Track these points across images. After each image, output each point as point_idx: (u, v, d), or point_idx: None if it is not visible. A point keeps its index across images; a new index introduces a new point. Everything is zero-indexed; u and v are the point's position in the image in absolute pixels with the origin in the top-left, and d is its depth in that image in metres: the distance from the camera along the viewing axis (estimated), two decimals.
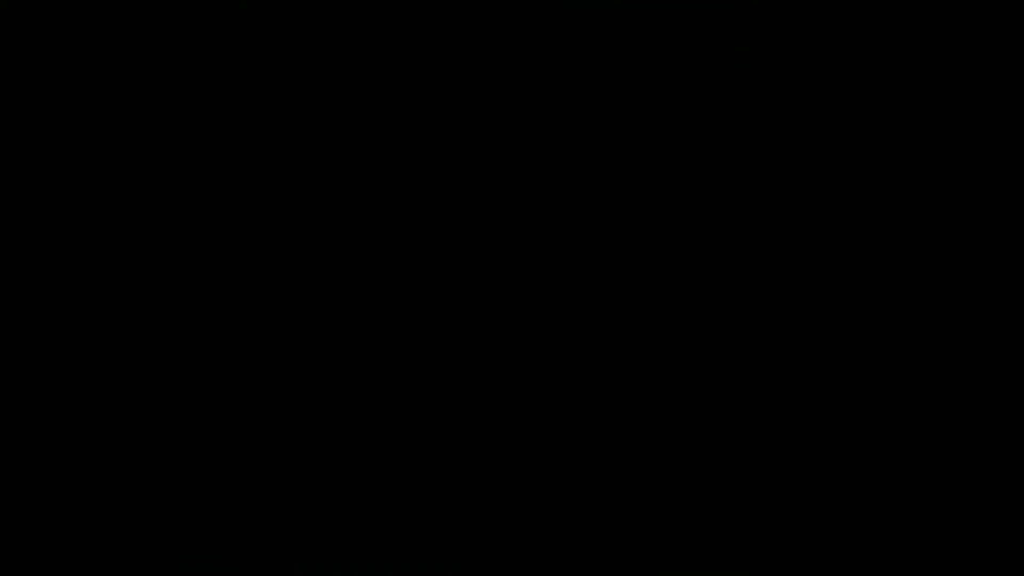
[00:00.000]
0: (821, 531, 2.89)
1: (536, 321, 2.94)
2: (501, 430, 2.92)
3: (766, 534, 2.89)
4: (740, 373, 2.92)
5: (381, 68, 2.97)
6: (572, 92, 2.95)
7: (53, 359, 2.92)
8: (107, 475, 2.89)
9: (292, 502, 2.91)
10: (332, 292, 2.95)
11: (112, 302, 2.93)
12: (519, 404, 2.93)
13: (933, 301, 2.91)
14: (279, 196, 2.97)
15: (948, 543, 2.87)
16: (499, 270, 2.94)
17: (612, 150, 2.95)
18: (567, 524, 2.91)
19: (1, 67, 2.95)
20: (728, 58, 2.93)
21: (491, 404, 2.93)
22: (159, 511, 2.89)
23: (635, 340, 2.93)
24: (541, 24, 2.95)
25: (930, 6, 2.92)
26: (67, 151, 2.96)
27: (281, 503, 2.91)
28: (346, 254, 2.95)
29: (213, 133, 2.97)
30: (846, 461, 2.90)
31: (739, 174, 2.94)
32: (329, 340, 2.94)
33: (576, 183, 2.95)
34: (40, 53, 2.95)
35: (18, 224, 2.94)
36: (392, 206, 2.96)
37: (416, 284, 2.95)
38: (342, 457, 2.92)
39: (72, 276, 2.93)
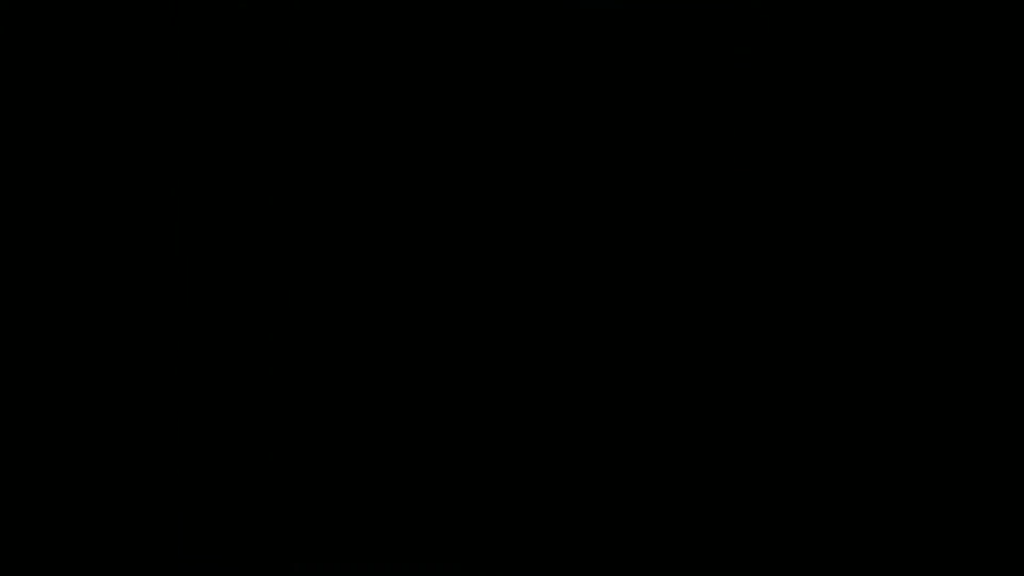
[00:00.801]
0: (820, 531, 2.89)
1: (535, 321, 2.94)
2: (501, 430, 2.92)
3: (765, 534, 2.90)
4: (739, 373, 2.92)
5: (380, 68, 2.97)
6: (572, 92, 2.95)
7: (53, 360, 2.92)
8: (107, 475, 2.89)
9: (292, 502, 2.91)
10: (331, 292, 2.95)
11: (111, 303, 2.93)
12: (518, 404, 2.93)
13: (932, 303, 2.91)
14: (279, 196, 2.97)
15: (948, 543, 2.87)
16: (499, 271, 2.94)
17: (612, 150, 2.95)
18: (567, 524, 2.91)
19: (1, 67, 2.95)
20: (728, 58, 2.93)
21: (490, 404, 2.93)
22: (159, 511, 2.88)
23: (634, 340, 2.93)
24: (541, 24, 2.95)
25: (930, 6, 2.92)
26: (66, 152, 2.96)
27: (281, 503, 2.91)
28: (345, 254, 2.95)
29: (211, 134, 2.97)
30: (844, 462, 2.90)
31: (739, 174, 2.94)
32: (328, 340, 2.94)
33: (576, 183, 2.95)
34: (40, 53, 2.95)
35: (18, 225, 2.94)
36: (391, 206, 2.96)
37: (415, 284, 2.95)
38: (342, 457, 2.92)
39: (72, 276, 2.93)
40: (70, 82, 2.96)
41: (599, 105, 2.96)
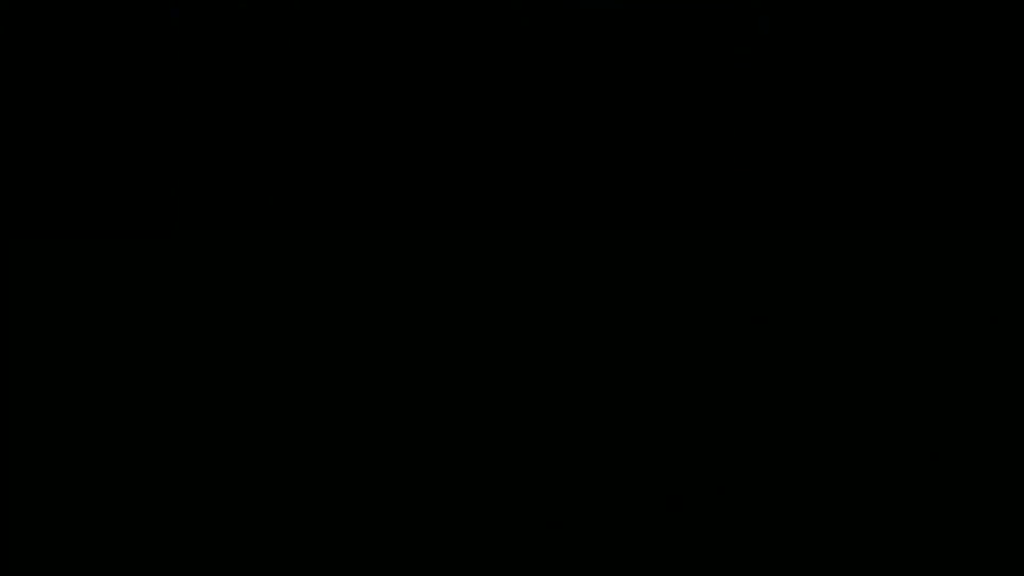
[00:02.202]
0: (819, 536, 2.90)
1: (533, 321, 2.94)
2: (499, 431, 2.93)
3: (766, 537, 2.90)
4: (738, 376, 2.93)
5: (380, 68, 2.97)
6: (572, 92, 2.96)
7: (53, 358, 2.92)
8: (107, 474, 2.89)
9: (291, 502, 2.91)
10: (332, 292, 2.95)
11: (110, 300, 2.93)
12: (518, 403, 2.93)
13: (931, 304, 2.92)
14: (278, 196, 2.97)
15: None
16: (497, 266, 2.95)
17: (612, 149, 2.96)
18: (567, 524, 2.91)
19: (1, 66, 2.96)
20: (728, 58, 2.94)
21: (490, 404, 2.93)
22: (159, 508, 2.89)
23: (633, 341, 2.94)
24: (541, 24, 2.95)
25: (930, 7, 2.93)
26: (65, 150, 2.96)
27: (280, 502, 2.91)
28: (344, 252, 2.96)
29: (210, 133, 2.98)
30: (843, 465, 2.91)
31: (738, 174, 2.95)
32: (329, 339, 2.95)
33: (575, 182, 2.96)
34: (40, 52, 2.96)
35: (19, 224, 2.95)
36: (390, 207, 2.97)
37: (416, 283, 2.95)
38: (341, 457, 2.92)
39: (73, 276, 2.93)
40: (70, 81, 2.97)
41: (599, 104, 2.96)
